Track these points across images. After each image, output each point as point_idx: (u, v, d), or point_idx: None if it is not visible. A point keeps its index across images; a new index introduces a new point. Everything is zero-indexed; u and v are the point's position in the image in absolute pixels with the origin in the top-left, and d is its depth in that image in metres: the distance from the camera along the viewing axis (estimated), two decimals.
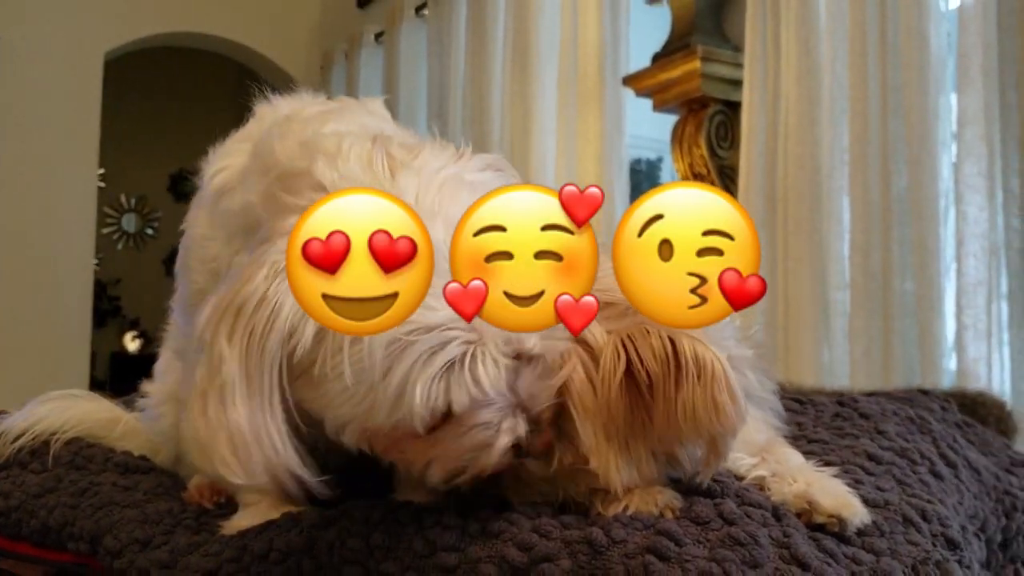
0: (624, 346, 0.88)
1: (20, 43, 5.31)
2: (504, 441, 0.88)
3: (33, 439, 1.35)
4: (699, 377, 0.85)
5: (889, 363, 2.40)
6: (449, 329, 0.81)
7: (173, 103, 8.00)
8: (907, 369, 2.38)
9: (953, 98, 2.35)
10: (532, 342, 0.85)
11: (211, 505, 1.21)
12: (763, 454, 1.01)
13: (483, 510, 0.92)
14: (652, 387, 0.87)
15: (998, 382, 2.25)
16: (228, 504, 1.19)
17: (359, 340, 0.80)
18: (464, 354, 0.82)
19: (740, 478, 0.98)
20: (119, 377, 7.93)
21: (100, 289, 7.10)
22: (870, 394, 1.41)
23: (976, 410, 1.49)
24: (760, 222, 2.78)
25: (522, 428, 0.88)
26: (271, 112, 1.14)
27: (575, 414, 0.89)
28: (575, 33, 3.51)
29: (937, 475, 1.07)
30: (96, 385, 5.82)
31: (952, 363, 2.35)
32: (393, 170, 0.88)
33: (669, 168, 5.54)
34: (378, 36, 5.04)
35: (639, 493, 0.90)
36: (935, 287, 2.35)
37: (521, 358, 0.87)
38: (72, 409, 1.43)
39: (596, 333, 0.90)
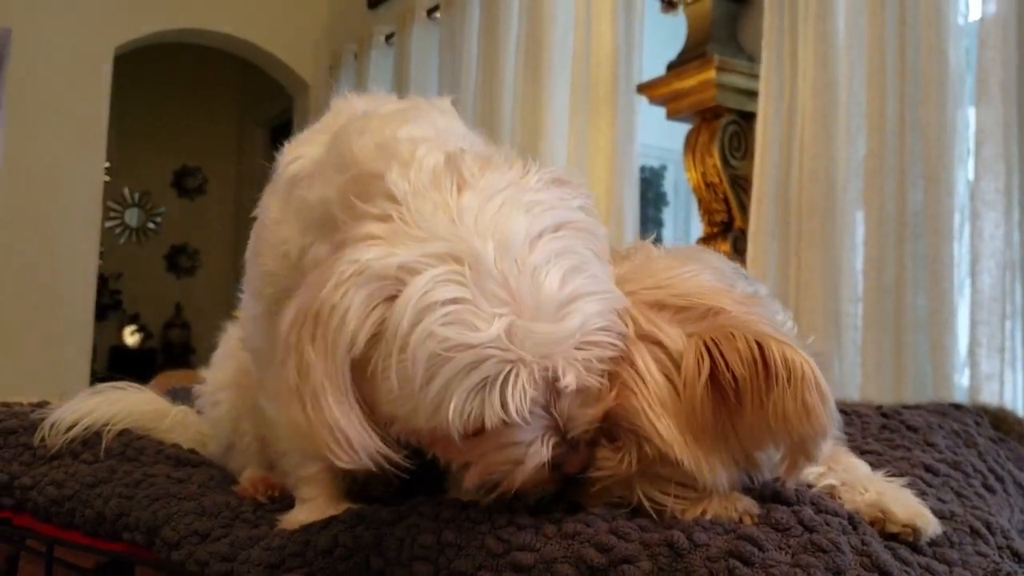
0: (708, 349, 0.89)
1: (32, 37, 5.32)
2: (532, 462, 0.90)
3: (84, 430, 1.36)
4: (789, 380, 0.85)
5: (901, 377, 2.41)
6: (488, 348, 0.83)
7: (178, 99, 8.00)
8: (918, 384, 2.38)
9: (971, 114, 2.36)
10: (569, 379, 0.87)
11: (264, 499, 1.22)
12: (829, 463, 1.01)
13: (555, 511, 0.92)
14: (738, 391, 0.87)
15: (1010, 398, 2.25)
16: (281, 498, 1.20)
17: (405, 348, 0.84)
18: (499, 374, 0.84)
19: (810, 486, 0.99)
20: (118, 371, 7.91)
21: (101, 283, 7.08)
22: (905, 407, 1.41)
23: (999, 426, 1.49)
24: (772, 234, 2.79)
25: (549, 451, 0.90)
26: (347, 107, 1.17)
27: (648, 414, 0.89)
28: (588, 40, 3.51)
29: (990, 488, 1.08)
30: (95, 378, 5.82)
31: (964, 378, 2.36)
32: (460, 188, 0.91)
33: (672, 177, 5.56)
34: (388, 37, 5.04)
35: (716, 498, 0.90)
36: (948, 302, 2.35)
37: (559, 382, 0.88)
38: (121, 401, 1.45)
39: (673, 335, 0.91)
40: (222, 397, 1.37)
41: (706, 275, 0.99)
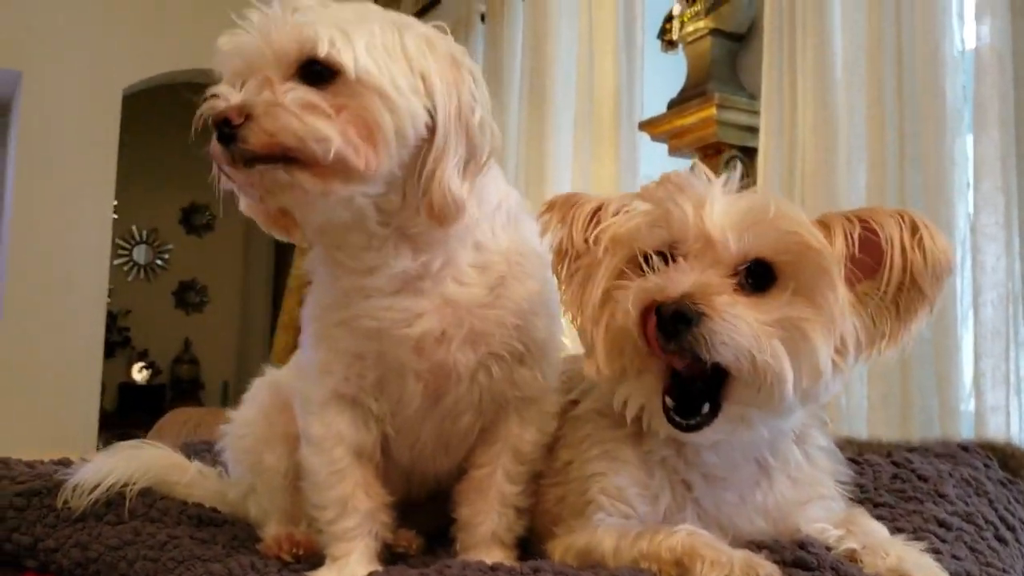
0: (853, 218, 1.09)
1: (42, 80, 5.40)
2: None
3: (107, 491, 1.38)
4: (928, 228, 1.07)
5: (907, 409, 2.42)
6: None
7: (186, 137, 8.04)
8: (925, 416, 2.40)
9: (970, 148, 2.38)
10: None
11: (290, 558, 1.25)
12: (848, 525, 1.04)
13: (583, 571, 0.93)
14: (890, 246, 1.06)
15: (1016, 430, 2.26)
16: (307, 557, 1.23)
17: None
18: None
19: (830, 548, 1.01)
20: (126, 408, 7.95)
21: (110, 320, 7.13)
22: (912, 449, 1.43)
23: (1007, 463, 1.51)
24: None
25: None
26: None
27: (811, 234, 1.05)
28: (591, 76, 3.55)
29: (1002, 540, 1.11)
30: (104, 416, 5.86)
31: (970, 408, 2.37)
32: None
33: None
34: None
35: (739, 561, 0.93)
36: (952, 335, 2.37)
37: None
38: (140, 458, 1.48)
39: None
40: (247, 431, 1.41)
41: None
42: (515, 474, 1.28)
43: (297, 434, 1.33)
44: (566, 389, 1.31)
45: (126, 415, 7.75)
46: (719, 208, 1.05)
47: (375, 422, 1.27)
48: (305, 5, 1.15)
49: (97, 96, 5.55)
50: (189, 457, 1.60)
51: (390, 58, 1.12)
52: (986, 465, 1.38)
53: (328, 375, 1.25)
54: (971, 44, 2.43)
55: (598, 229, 1.13)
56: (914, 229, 1.05)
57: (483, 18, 4.36)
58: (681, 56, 3.27)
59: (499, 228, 1.27)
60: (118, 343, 8.09)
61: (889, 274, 1.04)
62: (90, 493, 1.36)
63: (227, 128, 1.10)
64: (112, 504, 1.36)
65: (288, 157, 1.09)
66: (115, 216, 5.85)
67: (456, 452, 1.32)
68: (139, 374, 8.28)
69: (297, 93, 1.10)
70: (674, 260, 1.06)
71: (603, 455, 1.17)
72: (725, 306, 0.99)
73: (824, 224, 1.07)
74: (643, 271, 1.07)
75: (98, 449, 5.68)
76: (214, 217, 8.50)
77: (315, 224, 1.23)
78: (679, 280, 1.01)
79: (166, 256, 8.51)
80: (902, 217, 1.06)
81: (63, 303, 5.41)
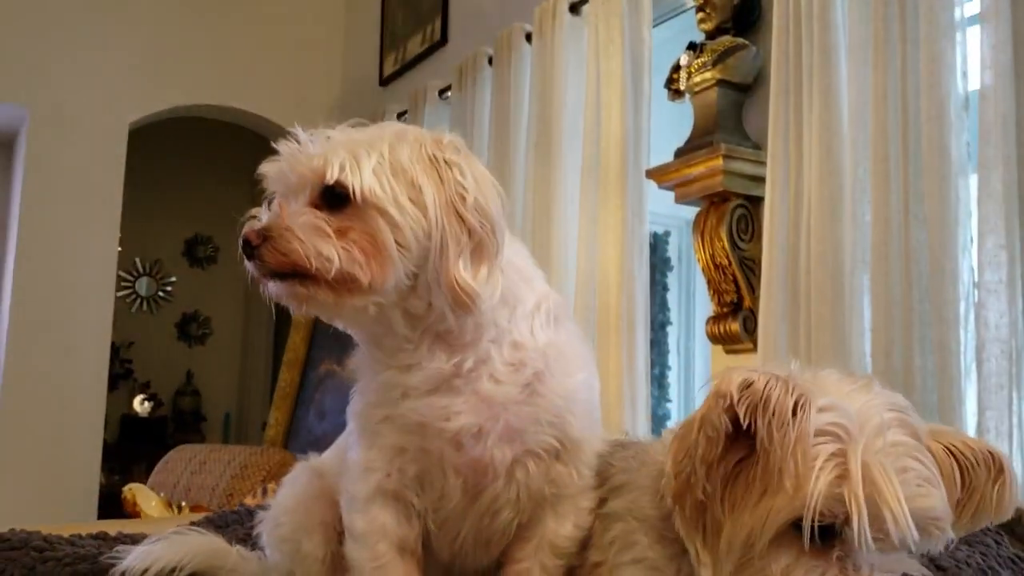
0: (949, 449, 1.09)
1: (47, 117, 5.45)
2: None
3: (156, 574, 1.41)
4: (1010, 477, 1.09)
5: None
6: None
7: (190, 170, 8.13)
8: None
9: (974, 206, 2.42)
10: None
11: None
12: None
13: None
14: (974, 483, 1.09)
15: (1020, 483, 2.29)
16: None
17: None
18: None
19: None
20: (128, 440, 7.96)
21: (113, 352, 7.15)
22: None
23: (1014, 529, 1.53)
24: (783, 316, 2.85)
25: None
26: None
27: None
28: (598, 124, 3.59)
29: None
30: (105, 447, 5.87)
31: None
32: None
33: (676, 242, 5.65)
34: (400, 115, 5.13)
35: None
36: (956, 387, 2.40)
37: None
38: (186, 544, 1.51)
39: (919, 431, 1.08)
40: (285, 520, 1.44)
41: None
42: (552, 568, 1.30)
43: (335, 522, 1.37)
44: (596, 485, 1.33)
45: (128, 447, 7.76)
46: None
47: (417, 517, 1.30)
48: (325, 134, 1.28)
49: (103, 131, 5.61)
50: (219, 530, 1.63)
51: (394, 176, 1.22)
52: (997, 543, 1.40)
53: (372, 472, 1.28)
54: (975, 99, 2.47)
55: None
56: (999, 473, 1.09)
57: (491, 61, 4.40)
58: (688, 105, 3.32)
59: (538, 328, 1.31)
60: (120, 375, 8.11)
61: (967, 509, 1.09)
62: None
63: (248, 248, 1.23)
64: None
65: (301, 273, 1.21)
66: (119, 248, 5.89)
67: (495, 548, 1.34)
68: (141, 406, 8.29)
69: (306, 218, 1.21)
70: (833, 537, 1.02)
71: (633, 562, 1.17)
72: None
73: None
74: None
75: (101, 482, 5.70)
76: (217, 249, 8.54)
77: (349, 327, 1.32)
78: None
79: (169, 288, 8.55)
80: (992, 459, 1.09)
81: (67, 337, 5.44)
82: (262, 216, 1.25)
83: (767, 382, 1.00)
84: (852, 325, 2.64)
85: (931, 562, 1.30)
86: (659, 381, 5.21)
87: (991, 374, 2.34)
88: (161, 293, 8.53)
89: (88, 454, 5.51)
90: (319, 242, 1.19)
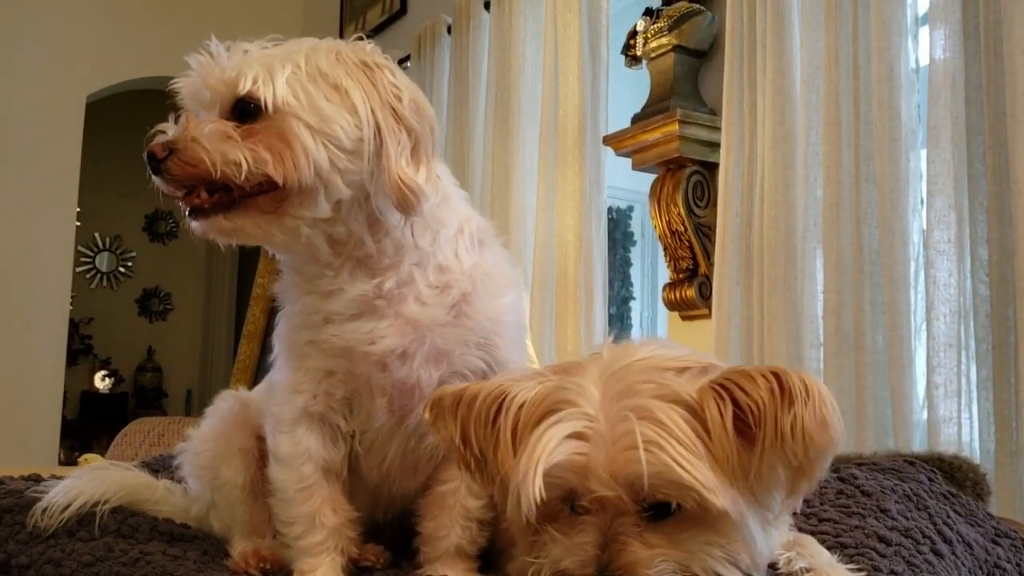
0: (726, 390, 0.96)
1: (4, 87, 5.35)
2: None
3: (78, 511, 1.39)
4: (807, 397, 0.92)
5: (862, 420, 2.48)
6: None
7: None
8: (879, 426, 2.46)
9: (923, 166, 2.45)
10: None
11: (258, 573, 1.28)
12: (796, 548, 1.09)
13: None
14: (761, 417, 0.93)
15: (967, 439, 2.33)
16: (273, 571, 1.26)
17: None
18: None
19: (777, 570, 1.06)
20: (89, 416, 7.89)
21: (72, 328, 7.09)
22: (860, 463, 1.48)
23: (954, 475, 1.56)
24: (736, 281, 2.88)
25: None
26: None
27: (686, 466, 0.93)
28: (556, 91, 3.59)
29: (938, 554, 1.16)
30: (66, 424, 5.82)
31: (923, 419, 2.44)
32: None
33: (639, 218, 5.66)
34: None
35: None
36: (906, 347, 2.44)
37: None
38: (110, 479, 1.49)
39: (688, 388, 0.98)
40: (204, 448, 1.44)
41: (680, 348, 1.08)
42: (477, 488, 1.30)
43: (254, 448, 1.39)
44: None
45: (88, 423, 7.70)
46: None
47: (343, 440, 1.31)
48: (242, 47, 1.27)
49: (60, 104, 5.53)
50: (156, 474, 1.62)
51: (312, 83, 1.21)
52: (930, 479, 1.43)
53: (298, 394, 1.29)
54: (925, 62, 2.50)
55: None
56: (789, 397, 0.93)
57: (449, 30, 4.39)
58: (645, 72, 3.32)
59: (463, 250, 1.31)
60: (80, 351, 8.04)
61: (762, 447, 0.94)
62: (61, 513, 1.37)
63: (154, 162, 1.22)
64: (84, 521, 1.36)
65: (209, 186, 1.20)
66: (78, 223, 5.82)
67: (422, 473, 1.35)
68: (102, 382, 8.22)
69: (214, 126, 1.21)
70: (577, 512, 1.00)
71: None
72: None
73: (699, 407, 0.97)
74: None
75: (60, 459, 5.65)
76: (177, 224, 8.46)
77: (279, 252, 1.34)
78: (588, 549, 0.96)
79: (129, 264, 8.46)
80: (777, 379, 0.94)
81: (24, 312, 5.38)
82: (168, 130, 1.24)
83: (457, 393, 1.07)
84: (804, 287, 2.66)
85: (858, 488, 1.33)
86: None
87: (940, 333, 2.37)
88: (122, 268, 8.45)
89: (46, 430, 5.46)
90: (225, 147, 1.18)
